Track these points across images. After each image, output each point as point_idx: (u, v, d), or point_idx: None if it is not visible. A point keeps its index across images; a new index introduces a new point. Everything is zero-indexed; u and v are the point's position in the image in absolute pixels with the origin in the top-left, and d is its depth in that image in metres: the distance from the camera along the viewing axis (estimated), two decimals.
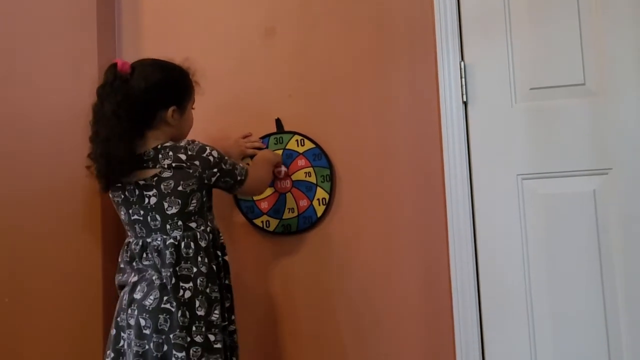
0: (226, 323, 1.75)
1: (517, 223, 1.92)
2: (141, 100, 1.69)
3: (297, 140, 2.04)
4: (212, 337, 1.66)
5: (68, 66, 2.11)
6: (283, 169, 2.04)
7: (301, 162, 2.03)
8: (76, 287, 2.03)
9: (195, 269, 1.67)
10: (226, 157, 1.77)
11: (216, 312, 1.68)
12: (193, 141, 1.73)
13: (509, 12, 1.98)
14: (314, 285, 2.03)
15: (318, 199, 2.01)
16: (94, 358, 1.96)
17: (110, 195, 1.78)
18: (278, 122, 2.06)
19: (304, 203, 2.02)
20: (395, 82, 2.03)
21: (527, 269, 1.91)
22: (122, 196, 1.73)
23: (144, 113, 1.71)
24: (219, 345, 1.67)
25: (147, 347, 1.65)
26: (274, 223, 2.04)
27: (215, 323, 1.67)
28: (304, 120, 2.06)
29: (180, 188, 1.68)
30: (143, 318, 1.65)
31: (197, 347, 1.64)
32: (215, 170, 1.73)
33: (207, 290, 1.68)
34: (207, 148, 1.73)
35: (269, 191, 2.04)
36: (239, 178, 1.78)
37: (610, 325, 1.85)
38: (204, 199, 1.74)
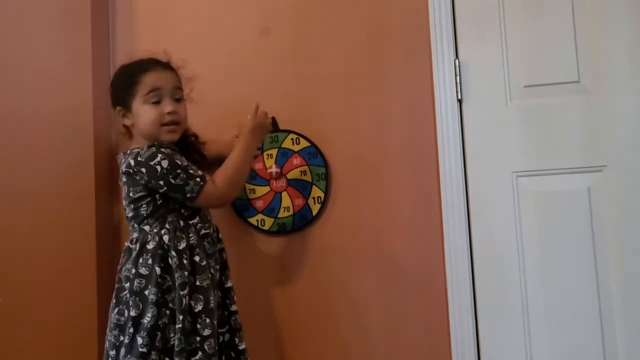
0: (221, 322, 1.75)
1: (512, 220, 1.93)
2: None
3: (292, 139, 2.04)
4: (139, 340, 1.62)
5: (62, 65, 2.10)
6: (275, 169, 2.04)
7: (296, 160, 2.03)
8: (70, 287, 2.02)
9: (134, 270, 1.67)
10: (179, 171, 1.66)
11: (148, 315, 1.63)
12: (150, 146, 1.69)
13: (503, 10, 1.99)
14: (310, 284, 2.02)
15: (313, 198, 2.01)
16: (88, 356, 1.96)
17: None
18: (273, 120, 2.06)
19: (299, 202, 2.02)
20: (390, 81, 2.03)
21: (523, 266, 1.91)
22: None
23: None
24: (144, 350, 1.61)
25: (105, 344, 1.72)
26: (269, 222, 2.03)
27: (145, 326, 1.62)
28: (299, 119, 2.06)
29: (131, 194, 1.71)
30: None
31: (123, 347, 1.64)
32: (161, 182, 1.66)
33: (145, 292, 1.65)
34: (158, 156, 1.66)
35: (264, 190, 2.04)
36: (188, 195, 1.67)
37: (605, 322, 1.86)
38: (159, 202, 1.71)
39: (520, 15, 1.98)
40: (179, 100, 1.78)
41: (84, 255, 2.02)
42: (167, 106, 1.74)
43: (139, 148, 1.71)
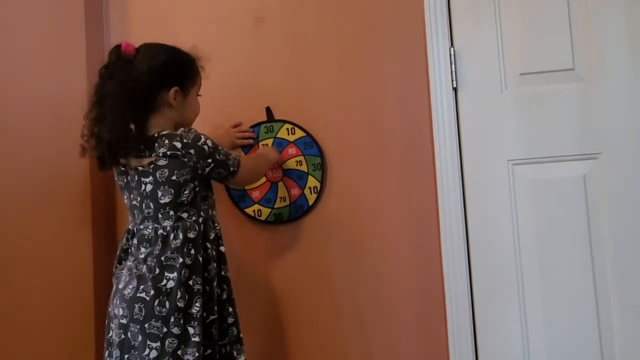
0: (215, 316, 1.71)
1: (508, 208, 1.94)
2: (143, 80, 1.69)
3: (287, 129, 2.04)
4: (191, 330, 1.63)
5: (54, 54, 2.09)
6: None
7: (292, 150, 2.03)
8: (67, 282, 2.01)
9: (180, 260, 1.65)
10: (220, 147, 1.73)
11: (197, 304, 1.64)
12: (189, 129, 1.70)
13: None
14: (306, 273, 2.03)
15: (309, 188, 2.01)
16: (86, 351, 1.96)
17: (115, 179, 1.78)
18: (268, 110, 2.06)
19: (295, 192, 2.02)
20: (385, 69, 2.03)
21: (519, 253, 1.92)
22: (125, 180, 1.73)
23: (146, 94, 1.70)
24: (197, 339, 1.63)
25: (123, 336, 1.65)
26: (265, 212, 2.03)
27: (195, 316, 1.64)
28: (294, 108, 2.06)
29: (174, 177, 1.67)
30: (122, 307, 1.65)
31: (173, 339, 1.62)
32: (209, 160, 1.70)
33: (190, 282, 1.65)
34: (202, 137, 1.69)
35: (260, 180, 2.03)
36: (231, 169, 1.75)
37: (601, 307, 1.87)
38: (197, 189, 1.72)
39: (515, 3, 1.97)
40: None
41: (81, 248, 2.02)
42: None
43: (170, 132, 1.69)
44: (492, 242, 1.93)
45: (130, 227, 1.76)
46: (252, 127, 2.06)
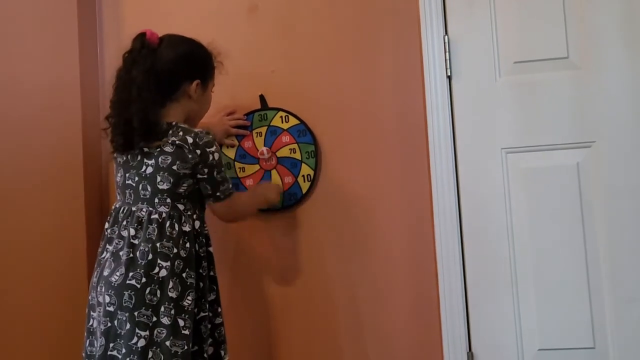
0: (207, 314, 1.71)
1: (501, 196, 1.94)
2: (168, 69, 1.71)
3: (281, 117, 2.03)
4: (181, 322, 1.61)
5: (48, 44, 2.08)
6: (265, 148, 2.03)
7: (285, 138, 2.02)
8: (60, 273, 2.02)
9: (175, 250, 1.64)
10: (223, 169, 1.73)
11: (189, 297, 1.64)
12: (207, 133, 1.72)
13: None
14: (299, 261, 2.03)
15: (303, 176, 2.01)
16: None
17: (114, 155, 1.77)
18: (262, 98, 2.05)
19: (288, 180, 2.01)
20: (379, 58, 2.02)
21: (512, 241, 1.93)
22: (124, 158, 1.73)
23: (169, 83, 1.72)
24: (186, 332, 1.61)
25: (109, 324, 1.62)
26: None
27: (186, 309, 1.63)
28: (288, 96, 2.05)
29: (175, 167, 1.67)
30: (108, 295, 1.62)
31: (162, 329, 1.60)
32: (206, 170, 1.69)
33: (184, 275, 1.65)
34: (215, 147, 1.70)
35: (254, 168, 2.03)
36: (218, 194, 1.73)
37: (593, 294, 1.88)
38: (196, 186, 1.72)
39: None
40: None
41: (73, 230, 2.03)
42: None
43: (187, 126, 1.71)
44: (485, 230, 1.94)
45: (117, 205, 1.74)
46: (246, 115, 2.06)
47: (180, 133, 1.68)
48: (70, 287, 1.99)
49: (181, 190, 1.69)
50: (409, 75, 2.01)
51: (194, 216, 1.72)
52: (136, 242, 1.65)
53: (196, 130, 1.71)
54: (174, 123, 1.70)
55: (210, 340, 1.73)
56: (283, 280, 2.04)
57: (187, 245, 1.67)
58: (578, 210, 1.90)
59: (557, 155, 1.93)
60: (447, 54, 1.98)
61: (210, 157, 1.68)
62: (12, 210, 2.05)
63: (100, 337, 1.63)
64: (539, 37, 1.95)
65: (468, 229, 1.95)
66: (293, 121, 2.02)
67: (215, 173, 1.70)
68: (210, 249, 1.76)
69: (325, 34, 2.06)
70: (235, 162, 2.04)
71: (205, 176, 1.69)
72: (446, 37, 1.98)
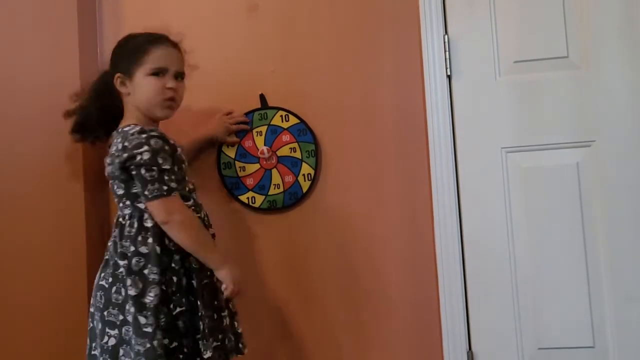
0: (183, 308, 1.66)
1: (501, 196, 1.94)
2: (106, 71, 1.84)
3: (281, 116, 2.03)
4: (142, 320, 1.59)
5: (48, 47, 2.07)
6: (265, 148, 2.03)
7: (286, 137, 2.02)
8: (60, 274, 2.00)
9: (133, 248, 1.65)
10: (154, 168, 1.64)
11: (151, 294, 1.61)
12: (141, 132, 1.67)
13: None
14: (300, 260, 2.03)
15: (303, 175, 2.01)
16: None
17: None
18: (262, 97, 2.05)
19: (289, 179, 2.01)
20: (379, 57, 2.02)
21: (512, 241, 1.93)
22: None
23: (106, 84, 1.81)
24: (148, 330, 1.59)
25: (91, 325, 1.68)
26: (259, 199, 2.03)
27: (148, 305, 1.60)
28: (288, 96, 2.05)
29: (117, 173, 1.69)
30: (92, 296, 1.70)
31: (128, 327, 1.61)
32: (132, 167, 1.65)
33: (145, 271, 1.63)
34: (144, 147, 1.64)
35: (254, 167, 2.03)
36: (146, 192, 1.64)
37: (593, 293, 1.89)
38: None
39: None
40: (180, 79, 1.80)
41: (73, 232, 2.01)
42: (169, 82, 1.76)
43: (130, 127, 1.71)
44: (485, 229, 1.94)
45: None
46: (246, 114, 2.05)
47: (118, 139, 1.70)
48: (71, 288, 1.99)
49: (135, 190, 1.68)
50: (409, 75, 2.01)
51: None
52: (110, 244, 1.71)
53: (129, 128, 1.70)
54: (119, 129, 1.73)
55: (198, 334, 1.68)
56: (284, 279, 2.04)
57: (149, 240, 1.65)
58: (578, 209, 1.90)
59: (557, 155, 1.93)
60: (447, 53, 1.98)
61: (139, 157, 1.64)
62: (12, 210, 2.04)
63: (87, 338, 1.69)
64: (539, 36, 1.95)
65: (468, 229, 1.95)
66: (293, 120, 2.02)
67: (143, 172, 1.64)
68: (212, 231, 1.76)
69: (325, 34, 2.06)
70: (236, 161, 2.04)
71: (134, 172, 1.66)
72: (446, 36, 1.98)
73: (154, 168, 1.65)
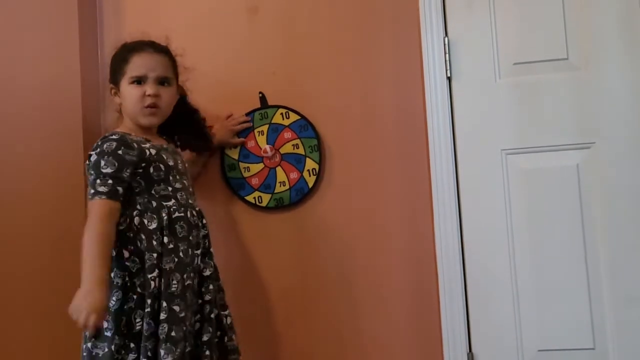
0: (148, 310, 1.63)
1: (501, 197, 1.94)
2: None
3: (282, 114, 2.03)
4: (104, 324, 1.60)
5: (48, 46, 2.07)
6: (268, 146, 2.03)
7: (287, 134, 2.03)
8: (61, 281, 1.96)
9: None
10: (92, 172, 1.65)
11: (113, 298, 1.62)
12: (103, 137, 1.70)
13: None
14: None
15: (308, 170, 2.01)
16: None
17: None
18: (262, 97, 2.05)
19: (294, 175, 2.01)
20: (380, 59, 2.03)
21: (512, 242, 1.93)
22: None
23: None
24: (108, 334, 1.60)
25: None
26: (266, 198, 2.02)
27: (110, 310, 1.61)
28: (288, 96, 2.05)
29: None
30: None
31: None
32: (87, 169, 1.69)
33: (110, 275, 1.64)
34: (94, 151, 1.67)
35: (259, 167, 2.03)
36: (89, 193, 1.67)
37: (593, 294, 1.88)
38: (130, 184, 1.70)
39: None
40: (165, 85, 1.79)
41: (73, 231, 1.97)
42: (149, 88, 1.75)
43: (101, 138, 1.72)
44: (485, 231, 1.94)
45: None
46: (247, 114, 2.06)
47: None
48: (71, 288, 1.98)
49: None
50: (409, 76, 2.02)
51: (134, 213, 1.68)
52: None
53: (101, 138, 1.71)
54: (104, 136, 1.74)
55: (198, 315, 1.71)
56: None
57: (117, 244, 1.65)
58: (578, 211, 1.90)
59: (557, 156, 1.93)
60: (447, 55, 1.99)
61: (88, 160, 1.68)
62: (12, 210, 2.03)
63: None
64: (539, 38, 1.96)
65: (468, 229, 1.95)
66: (294, 117, 2.03)
67: (89, 173, 1.67)
68: (165, 239, 1.67)
69: (325, 34, 2.07)
70: (240, 163, 2.04)
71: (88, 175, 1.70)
72: (446, 38, 1.99)
73: (92, 172, 1.66)
